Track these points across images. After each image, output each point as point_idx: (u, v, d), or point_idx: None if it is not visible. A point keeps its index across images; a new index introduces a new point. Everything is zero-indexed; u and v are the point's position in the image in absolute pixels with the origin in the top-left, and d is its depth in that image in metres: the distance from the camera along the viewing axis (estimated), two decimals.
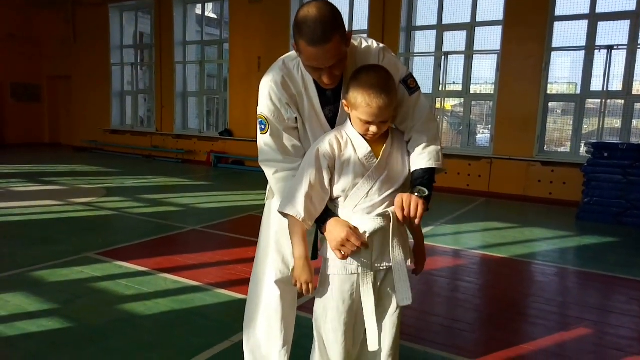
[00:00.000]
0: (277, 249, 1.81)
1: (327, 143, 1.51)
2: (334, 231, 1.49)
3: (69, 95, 12.99)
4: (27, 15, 12.72)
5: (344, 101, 1.51)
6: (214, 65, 11.21)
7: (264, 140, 1.63)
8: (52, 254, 3.68)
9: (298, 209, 1.47)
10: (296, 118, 1.62)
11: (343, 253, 1.47)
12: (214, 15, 12.93)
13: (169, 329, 2.52)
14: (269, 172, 1.65)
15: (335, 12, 1.41)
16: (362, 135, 1.50)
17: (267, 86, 1.61)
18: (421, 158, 1.57)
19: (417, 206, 1.45)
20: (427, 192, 1.50)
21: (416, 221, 1.47)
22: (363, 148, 1.51)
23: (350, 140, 1.52)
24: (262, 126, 1.62)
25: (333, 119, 1.64)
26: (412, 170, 1.58)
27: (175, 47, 10.78)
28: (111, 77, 12.06)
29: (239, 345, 1.99)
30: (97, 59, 12.06)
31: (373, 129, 1.46)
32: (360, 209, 1.51)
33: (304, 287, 1.53)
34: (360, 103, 1.42)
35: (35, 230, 4.47)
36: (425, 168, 1.56)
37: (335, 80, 1.51)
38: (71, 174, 8.32)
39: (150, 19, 11.43)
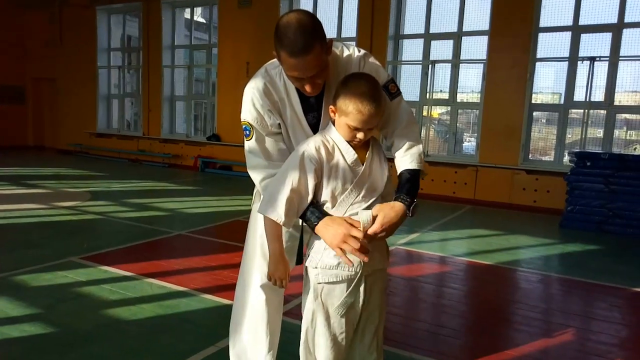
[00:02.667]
0: (262, 253, 1.81)
1: (313, 147, 1.52)
2: (331, 229, 1.47)
3: (54, 98, 12.82)
4: (11, 16, 12.55)
5: (331, 107, 1.52)
6: (202, 70, 11.18)
7: (249, 146, 1.66)
8: (35, 258, 3.63)
9: (279, 212, 1.49)
10: (279, 124, 1.64)
11: (345, 250, 1.44)
12: (202, 20, 12.89)
13: (154, 335, 2.50)
14: (256, 178, 1.67)
15: (315, 22, 1.42)
16: (347, 142, 1.52)
17: (250, 93, 1.63)
18: (404, 160, 1.61)
19: (390, 229, 1.47)
20: (408, 201, 1.53)
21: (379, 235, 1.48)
22: (350, 154, 1.52)
23: (337, 145, 1.53)
24: (247, 132, 1.65)
25: (316, 125, 1.66)
26: (399, 171, 1.62)
27: (163, 51, 10.72)
28: (98, 80, 11.94)
29: (225, 351, 1.98)
30: (84, 62, 11.94)
31: (360, 135, 1.48)
32: (350, 214, 1.52)
33: (277, 283, 1.60)
34: (351, 110, 1.44)
35: (18, 234, 4.40)
36: (410, 169, 1.59)
37: (317, 89, 1.53)
38: (55, 177, 8.21)
39: (139, 22, 11.35)
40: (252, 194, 1.88)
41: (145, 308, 2.82)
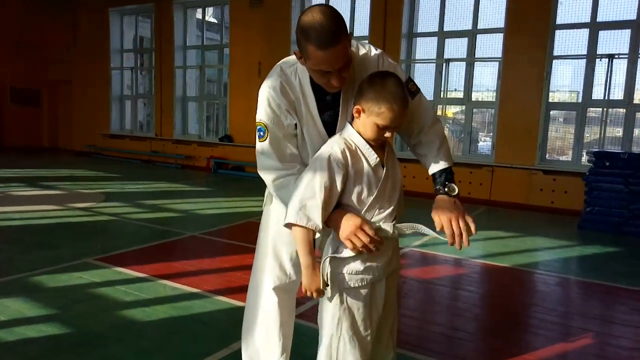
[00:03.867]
0: (274, 255, 1.79)
1: (338, 150, 1.48)
2: (343, 220, 1.46)
3: (68, 100, 12.99)
4: (28, 20, 12.73)
5: (357, 107, 1.48)
6: (214, 70, 11.22)
7: (262, 147, 1.62)
8: (51, 259, 3.65)
9: (315, 221, 1.44)
10: (295, 124, 1.61)
11: (355, 244, 1.44)
12: (214, 20, 12.96)
13: (168, 336, 2.50)
14: (268, 179, 1.64)
15: (339, 15, 1.42)
16: (370, 143, 1.50)
17: (266, 92, 1.60)
18: (439, 157, 1.65)
19: (468, 232, 1.54)
20: (457, 190, 1.59)
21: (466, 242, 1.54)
22: (372, 157, 1.50)
23: (359, 148, 1.51)
24: (261, 133, 1.61)
25: (332, 124, 1.63)
26: (433, 172, 1.66)
27: (175, 52, 10.79)
28: (111, 82, 12.06)
29: (238, 353, 1.96)
30: (97, 63, 12.07)
31: (388, 134, 1.47)
32: (378, 219, 1.52)
33: (314, 295, 1.51)
34: (383, 110, 1.42)
35: (34, 235, 4.44)
36: (443, 168, 1.64)
37: (343, 83, 1.51)
38: (70, 178, 8.29)
39: (151, 23, 11.45)
40: (264, 195, 1.85)
41: (158, 309, 2.82)
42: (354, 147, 1.50)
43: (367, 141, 1.50)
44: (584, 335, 2.77)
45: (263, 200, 1.86)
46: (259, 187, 1.58)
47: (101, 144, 12.29)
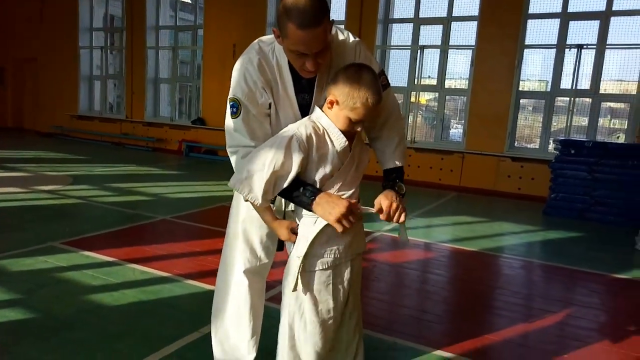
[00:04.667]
0: (244, 238, 1.80)
1: (304, 133, 1.47)
2: (330, 205, 1.46)
3: (34, 78, 12.51)
4: None
5: (331, 98, 1.47)
6: (187, 52, 10.98)
7: (234, 124, 1.57)
8: (15, 242, 3.55)
9: (256, 194, 1.46)
10: (270, 104, 1.58)
11: (345, 225, 1.46)
12: (188, 0, 12.63)
13: (137, 320, 2.47)
14: (237, 156, 1.59)
15: None
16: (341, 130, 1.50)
17: (243, 68, 1.56)
18: (395, 156, 1.70)
19: (401, 212, 1.54)
20: (404, 190, 1.64)
21: (400, 220, 1.56)
22: (341, 141, 1.50)
23: (327, 131, 1.51)
24: (234, 109, 1.56)
25: (306, 107, 1.62)
26: (386, 168, 1.70)
27: (147, 32, 10.50)
28: (79, 61, 11.66)
29: (208, 337, 1.97)
30: (65, 41, 11.64)
31: (359, 127, 1.49)
32: None
33: (289, 237, 1.58)
34: (358, 105, 1.42)
35: None
36: (399, 166, 1.69)
37: (317, 69, 1.49)
38: (35, 160, 8.04)
39: (122, 1, 11.07)
40: None
41: (127, 294, 2.78)
42: (321, 131, 1.50)
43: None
44: (545, 317, 2.88)
45: None
46: (231, 172, 1.56)
47: (69, 125, 11.92)
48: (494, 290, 3.36)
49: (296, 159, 1.45)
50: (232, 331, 1.86)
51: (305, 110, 1.62)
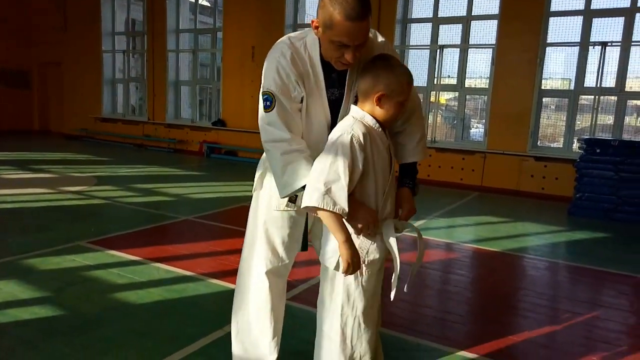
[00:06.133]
0: (266, 239, 1.79)
1: (359, 132, 1.47)
2: (360, 212, 1.51)
3: (59, 82, 12.81)
4: (18, 0, 12.49)
5: (376, 94, 1.49)
6: (207, 54, 11.10)
7: (268, 118, 1.55)
8: (43, 242, 3.64)
9: (342, 205, 1.42)
10: (302, 98, 1.58)
11: (364, 231, 1.53)
12: (207, 3, 12.76)
13: (162, 318, 2.51)
14: (276, 151, 1.55)
15: None
16: (379, 124, 1.54)
17: (275, 61, 1.56)
18: (417, 151, 1.75)
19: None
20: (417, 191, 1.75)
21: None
22: (384, 139, 1.55)
23: (373, 129, 1.53)
24: (268, 103, 1.55)
25: (334, 102, 1.63)
26: (405, 162, 1.75)
27: (168, 35, 10.65)
28: (102, 65, 11.91)
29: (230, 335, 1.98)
30: (89, 46, 11.90)
31: (405, 112, 1.60)
32: (391, 214, 1.62)
33: (355, 268, 1.48)
34: (402, 86, 1.50)
35: (27, 218, 4.42)
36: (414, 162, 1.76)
37: (354, 61, 1.51)
38: (62, 162, 8.23)
39: (143, 5, 11.26)
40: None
41: (152, 292, 2.83)
42: (370, 129, 1.52)
43: (379, 122, 1.54)
44: (572, 319, 2.82)
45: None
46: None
47: (93, 128, 12.17)
48: (518, 291, 3.32)
49: (360, 160, 1.46)
50: (253, 333, 1.87)
51: (333, 106, 1.62)
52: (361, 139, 1.46)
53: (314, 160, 1.51)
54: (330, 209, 1.42)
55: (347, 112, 1.60)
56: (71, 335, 2.28)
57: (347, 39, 1.43)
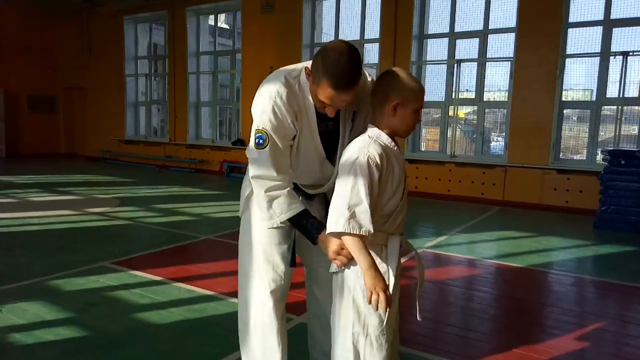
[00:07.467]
0: (265, 259, 1.77)
1: (375, 153, 1.49)
2: (330, 242, 1.54)
3: (84, 106, 13.21)
4: (43, 28, 12.99)
5: (393, 103, 1.50)
6: (226, 75, 11.31)
7: (260, 155, 1.60)
8: (68, 263, 3.72)
9: (367, 227, 1.44)
10: (294, 136, 1.63)
11: (340, 260, 1.54)
12: (226, 26, 13.05)
13: (184, 338, 2.53)
14: (260, 188, 1.62)
15: (360, 60, 1.48)
16: (393, 141, 1.55)
17: (271, 101, 1.59)
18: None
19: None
20: None
21: None
22: (401, 157, 1.56)
23: (389, 148, 1.54)
24: (261, 141, 1.59)
25: (328, 134, 1.67)
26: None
27: (189, 58, 10.91)
28: (125, 88, 12.24)
29: None
30: (112, 70, 12.26)
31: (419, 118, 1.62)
32: (399, 230, 1.60)
33: (381, 297, 1.44)
34: (414, 89, 1.52)
35: (51, 240, 4.52)
36: None
37: (333, 114, 1.58)
38: (86, 184, 8.43)
39: (164, 30, 11.59)
40: None
41: (174, 312, 2.85)
42: (385, 148, 1.53)
43: (394, 141, 1.55)
44: (600, 336, 2.74)
45: None
46: None
47: (116, 150, 12.45)
48: (543, 307, 3.23)
49: (375, 182, 1.48)
50: (262, 357, 1.83)
51: (328, 137, 1.66)
52: (377, 159, 1.48)
53: (293, 194, 1.62)
54: (357, 232, 1.44)
55: (346, 142, 1.64)
56: (96, 357, 2.31)
57: (330, 102, 1.50)
